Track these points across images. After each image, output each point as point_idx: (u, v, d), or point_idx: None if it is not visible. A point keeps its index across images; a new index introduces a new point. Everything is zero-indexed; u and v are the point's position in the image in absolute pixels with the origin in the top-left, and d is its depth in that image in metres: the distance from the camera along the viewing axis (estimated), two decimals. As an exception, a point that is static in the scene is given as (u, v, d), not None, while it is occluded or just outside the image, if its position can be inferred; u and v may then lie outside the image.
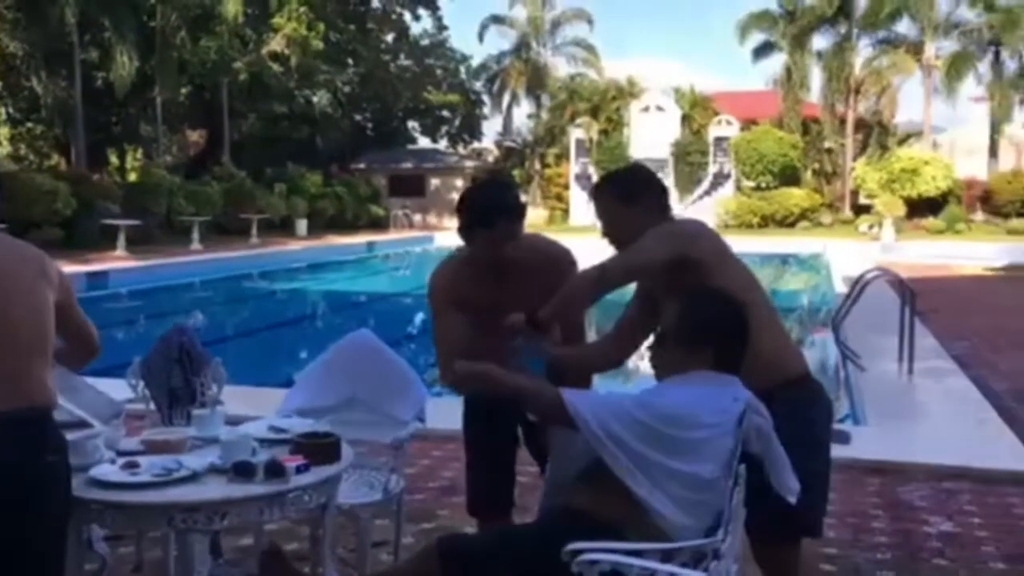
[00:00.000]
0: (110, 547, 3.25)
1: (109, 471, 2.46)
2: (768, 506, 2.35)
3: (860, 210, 31.88)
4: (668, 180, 34.37)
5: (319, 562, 2.73)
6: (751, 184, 32.45)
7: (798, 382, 2.64)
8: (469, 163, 38.45)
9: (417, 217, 35.38)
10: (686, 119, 34.52)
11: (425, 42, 40.96)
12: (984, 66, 32.97)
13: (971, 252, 21.86)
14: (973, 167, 33.16)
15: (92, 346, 2.65)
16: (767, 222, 30.69)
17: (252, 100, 31.63)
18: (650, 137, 34.11)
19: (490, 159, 40.84)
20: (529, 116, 40.39)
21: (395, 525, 3.52)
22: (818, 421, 2.67)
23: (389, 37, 39.03)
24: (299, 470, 2.49)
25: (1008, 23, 31.16)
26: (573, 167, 35.21)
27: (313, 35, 31.12)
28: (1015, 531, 4.22)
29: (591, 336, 3.30)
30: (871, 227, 28.77)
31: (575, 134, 35.05)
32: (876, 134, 34.70)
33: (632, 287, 2.86)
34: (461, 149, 41.73)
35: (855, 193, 32.63)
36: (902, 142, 34.95)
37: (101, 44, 26.61)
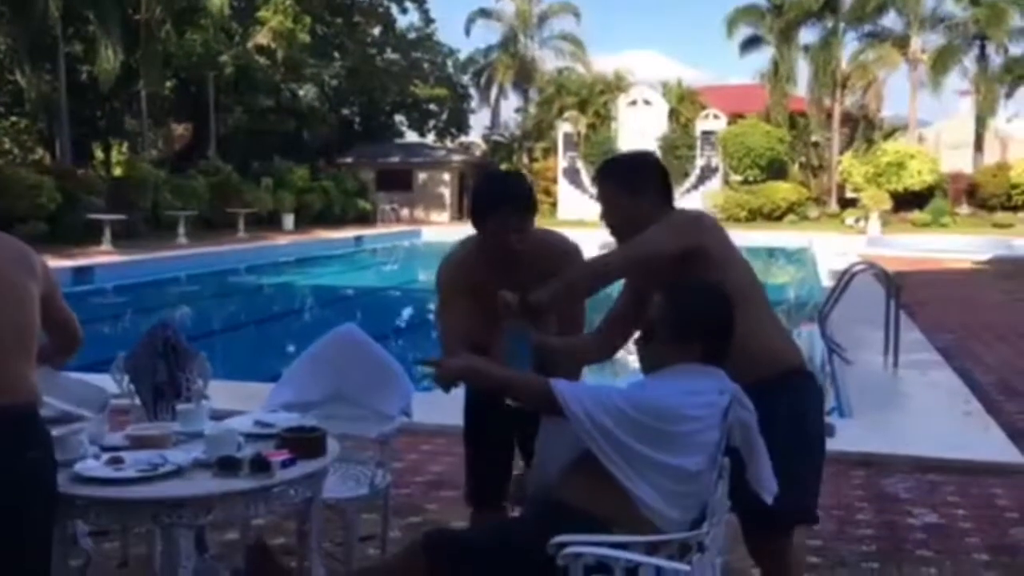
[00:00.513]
0: (95, 543, 3.24)
1: (93, 467, 2.45)
2: (751, 491, 2.38)
3: (846, 204, 32.02)
4: (656, 174, 34.46)
5: (306, 556, 2.73)
6: (738, 178, 32.54)
7: (794, 374, 2.65)
8: (456, 157, 38.40)
9: (404, 211, 35.31)
10: (673, 113, 34.56)
11: (412, 35, 40.82)
12: (969, 60, 33.18)
13: (956, 245, 22.00)
14: (958, 161, 33.36)
15: (75, 338, 2.63)
16: (754, 216, 30.77)
17: (238, 94, 31.47)
18: (638, 131, 34.09)
19: (477, 153, 40.80)
20: (517, 110, 40.42)
21: (382, 519, 3.52)
22: (812, 412, 2.69)
23: (376, 30, 38.87)
24: (284, 465, 2.48)
25: (993, 17, 31.30)
26: (561, 161, 35.21)
27: (299, 28, 30.99)
28: (999, 522, 4.25)
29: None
30: (857, 220, 28.90)
31: (563, 128, 35.04)
32: (862, 128, 34.88)
33: (620, 281, 2.86)
34: (449, 143, 41.66)
35: (841, 187, 32.78)
36: (888, 136, 35.14)
37: (85, 37, 26.44)
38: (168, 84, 30.15)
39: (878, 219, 27.44)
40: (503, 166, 37.19)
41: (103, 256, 17.95)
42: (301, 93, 34.50)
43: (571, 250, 3.04)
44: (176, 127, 36.53)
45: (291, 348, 9.80)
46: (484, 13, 39.86)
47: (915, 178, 29.91)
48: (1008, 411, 6.30)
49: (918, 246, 21.24)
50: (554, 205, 35.23)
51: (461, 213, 36.03)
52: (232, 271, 18.27)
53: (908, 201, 30.11)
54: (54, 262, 14.09)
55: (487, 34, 40.62)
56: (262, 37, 30.58)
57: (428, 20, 40.62)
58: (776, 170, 32.37)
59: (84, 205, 20.89)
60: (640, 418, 2.23)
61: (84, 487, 2.37)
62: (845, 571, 3.69)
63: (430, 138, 41.80)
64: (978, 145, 33.53)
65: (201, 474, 2.45)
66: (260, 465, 2.43)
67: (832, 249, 19.29)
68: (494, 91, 40.36)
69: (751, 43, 35.28)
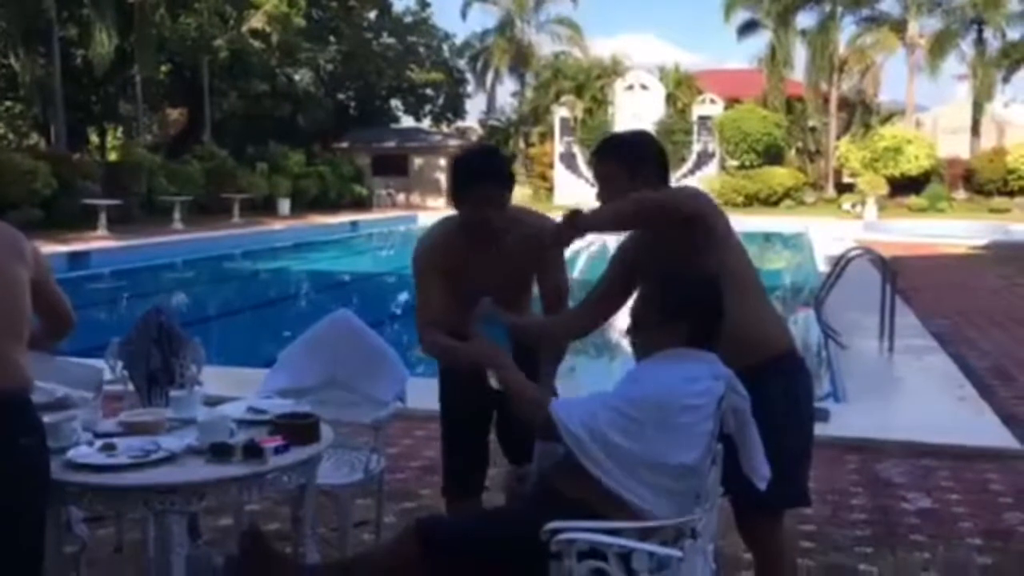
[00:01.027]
0: (90, 529, 3.24)
1: (86, 453, 2.45)
2: (775, 476, 2.38)
3: (843, 189, 32.01)
4: (652, 159, 34.41)
5: (300, 542, 2.73)
6: (735, 163, 32.49)
7: (785, 358, 2.66)
8: (453, 142, 38.30)
9: (400, 197, 35.24)
10: (670, 98, 34.46)
11: (408, 19, 40.62)
12: (967, 44, 33.09)
13: (953, 230, 22.01)
14: (955, 146, 33.34)
15: (68, 322, 2.62)
16: (751, 201, 30.75)
17: (233, 78, 31.35)
18: (634, 116, 33.98)
19: (474, 138, 40.68)
20: (513, 95, 40.25)
21: (376, 505, 3.52)
22: (804, 396, 2.71)
23: (371, 14, 38.68)
24: (277, 451, 2.48)
25: (991, 1, 31.21)
26: (557, 146, 35.12)
27: (294, 12, 30.84)
28: (992, 507, 4.27)
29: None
30: (854, 205, 28.90)
31: (559, 113, 34.93)
32: (859, 113, 34.84)
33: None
34: (445, 128, 41.54)
35: (838, 172, 32.76)
36: (885, 121, 35.10)
37: (80, 21, 26.30)
38: (163, 68, 30.03)
39: (875, 204, 27.44)
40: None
41: (98, 241, 17.90)
42: (296, 78, 34.36)
43: (549, 225, 3.01)
44: (171, 112, 36.41)
45: (286, 334, 9.78)
46: (480, -3, 39.67)
47: (912, 163, 29.89)
48: (1002, 396, 6.32)
49: (914, 231, 21.26)
50: (550, 190, 35.17)
51: (457, 198, 35.92)
52: (228, 256, 18.23)
53: (905, 186, 30.09)
54: (49, 247, 14.06)
55: (483, 18, 40.67)
56: (257, 21, 30.41)
57: (424, 4, 40.45)
58: (773, 155, 32.33)
59: (79, 190, 20.81)
60: (640, 415, 2.22)
61: (77, 474, 2.37)
62: (839, 555, 3.70)
63: (426, 123, 41.67)
64: (975, 130, 33.50)
65: (194, 460, 2.44)
66: (253, 451, 2.43)
67: (828, 234, 19.31)
68: (490, 75, 40.19)
69: (748, 27, 35.16)
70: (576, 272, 19.20)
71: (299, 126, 35.26)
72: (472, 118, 42.91)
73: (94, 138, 33.28)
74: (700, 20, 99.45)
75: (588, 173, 34.72)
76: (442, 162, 36.33)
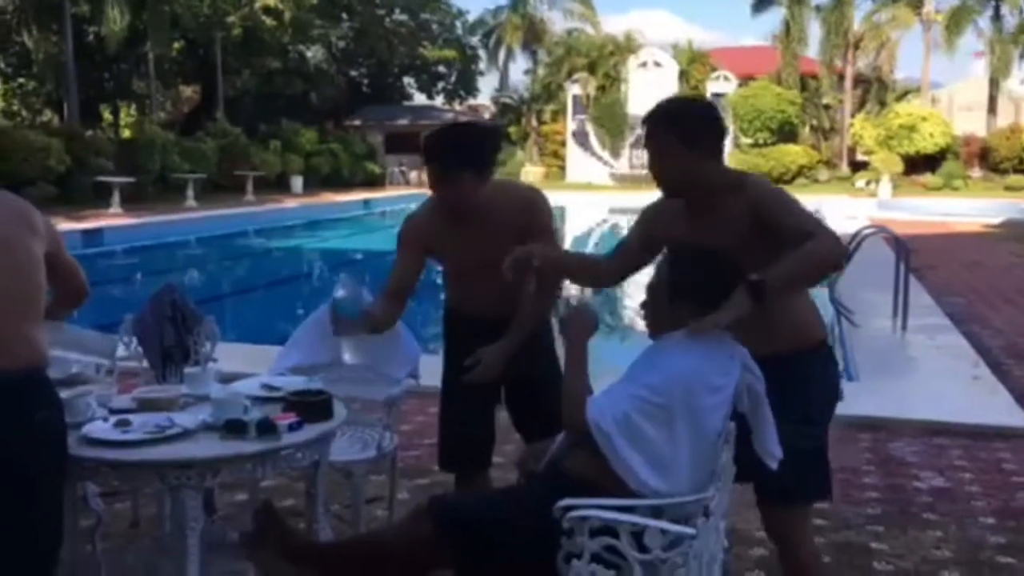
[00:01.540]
0: (106, 503, 3.27)
1: (101, 429, 2.46)
2: (783, 468, 2.35)
3: (857, 167, 31.78)
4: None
5: (313, 518, 2.74)
6: (749, 141, 32.28)
7: (820, 348, 2.59)
8: (465, 120, 38.16)
9: (413, 175, 35.17)
10: (684, 75, 34.21)
11: (420, -4, 40.43)
12: (984, 21, 32.70)
13: (968, 209, 21.86)
14: (971, 123, 33.01)
15: (82, 290, 2.62)
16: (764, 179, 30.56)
17: (246, 55, 31.29)
18: (648, 93, 33.68)
19: (486, 116, 40.52)
20: (526, 72, 40.03)
21: (389, 481, 3.54)
22: (834, 386, 2.64)
23: (384, -9, 38.51)
24: (291, 428, 2.49)
25: (1010, -23, 30.82)
26: (570, 124, 34.99)
27: (306, -11, 30.71)
28: (1005, 486, 4.26)
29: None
30: (868, 183, 28.70)
31: (572, 90, 34.77)
32: (875, 90, 34.50)
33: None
34: (457, 106, 41.39)
35: (852, 149, 32.52)
36: (900, 98, 34.76)
37: (91, -2, 26.27)
38: (176, 46, 30.00)
39: (889, 182, 27.25)
40: (510, 129, 37.06)
41: (112, 219, 17.97)
42: (309, 55, 34.26)
43: (529, 200, 3.01)
44: (184, 89, 36.40)
45: (299, 311, 9.83)
46: (493, -27, 39.41)
47: (927, 141, 29.63)
48: (1016, 375, 6.29)
49: (929, 209, 21.11)
50: (563, 168, 35.07)
51: (470, 176, 35.84)
52: (240, 234, 18.28)
53: (920, 164, 29.85)
54: (63, 224, 14.12)
55: (496, -5, 40.15)
56: (269, -3, 30.31)
57: (436, -20, 40.21)
58: (786, 133, 32.11)
59: (93, 167, 20.88)
60: (666, 402, 2.21)
61: (92, 449, 2.39)
62: (850, 533, 3.71)
63: (439, 100, 41.55)
64: (991, 107, 33.14)
65: (208, 436, 2.46)
66: (267, 428, 2.44)
67: (842, 212, 19.18)
68: (503, 53, 39.95)
69: (763, 3, 34.82)
70: (588, 251, 19.18)
71: (312, 103, 35.23)
72: (485, 96, 42.78)
73: (107, 115, 33.34)
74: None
75: (600, 151, 34.83)
76: (454, 140, 36.14)
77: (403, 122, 36.87)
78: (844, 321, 7.20)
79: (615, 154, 34.79)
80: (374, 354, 3.54)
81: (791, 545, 2.60)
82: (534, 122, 37.32)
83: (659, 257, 2.59)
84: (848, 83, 33.32)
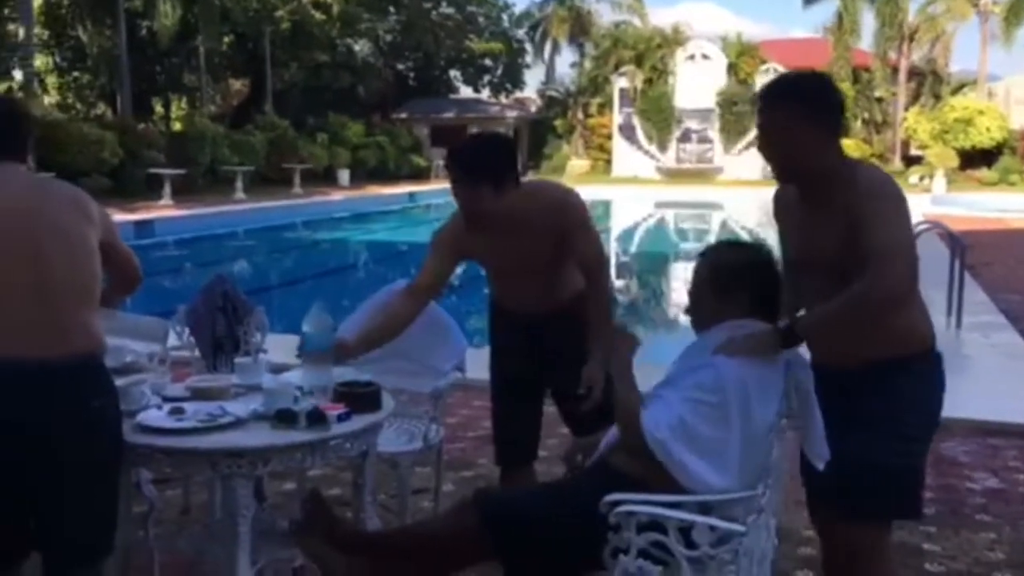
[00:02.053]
0: (158, 491, 3.33)
1: (156, 416, 2.50)
2: (866, 480, 2.27)
3: (911, 161, 31.21)
4: (713, 130, 33.95)
5: (360, 508, 2.76)
6: (798, 134, 31.83)
7: (921, 358, 2.40)
8: (511, 113, 38.17)
9: (458, 167, 35.23)
10: (732, 68, 33.87)
11: (467, -11, 40.49)
12: (1044, 11, 31.87)
13: (1025, 205, 21.34)
14: (1029, 117, 32.23)
15: (136, 277, 2.65)
16: (814, 173, 30.16)
17: (294, 49, 31.59)
18: (696, 86, 33.56)
19: (532, 109, 40.48)
20: (572, 65, 39.94)
21: (435, 473, 3.56)
22: (938, 400, 2.44)
23: (431, -16, 38.63)
24: (340, 418, 2.51)
25: (1071, -34, 30.01)
26: (616, 117, 34.82)
27: (355, -18, 30.91)
28: (1062, 489, 4.16)
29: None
30: (922, 179, 28.17)
31: (619, 83, 34.60)
32: (929, 83, 33.83)
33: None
34: (503, 99, 41.40)
35: (906, 144, 31.95)
36: (956, 91, 34.05)
37: (145, -7, 26.68)
38: (226, 39, 30.37)
39: (943, 177, 26.72)
40: (556, 122, 36.94)
41: (163, 210, 18.27)
42: (356, 48, 34.48)
43: (561, 201, 2.95)
44: (233, 82, 36.84)
45: (346, 303, 9.92)
46: (540, -34, 39.30)
47: (983, 135, 29.01)
48: (1075, 375, 6.13)
49: (985, 205, 20.66)
50: (608, 162, 34.91)
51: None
52: (288, 226, 18.48)
53: (975, 159, 29.25)
54: (116, 216, 14.34)
55: (543, -13, 40.02)
56: (318, -9, 30.57)
57: (483, -26, 40.22)
58: (837, 126, 31.60)
59: (145, 160, 21.24)
60: (720, 399, 2.19)
61: (146, 436, 2.43)
62: (903, 533, 3.64)
63: (485, 93, 41.58)
64: (1051, 100, 32.35)
65: (259, 426, 2.49)
66: (317, 418, 2.46)
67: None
68: (549, 45, 39.89)
69: (815, -6, 34.34)
70: (634, 246, 19.09)
71: (359, 96, 35.47)
72: (531, 88, 42.74)
73: (159, 108, 33.87)
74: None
75: (647, 145, 34.61)
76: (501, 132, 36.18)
77: (449, 115, 36.97)
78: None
79: (662, 148, 34.56)
80: (421, 347, 3.56)
81: (863, 564, 2.39)
82: (580, 115, 37.21)
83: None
84: (902, 76, 32.73)
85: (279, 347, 3.61)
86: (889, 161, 32.06)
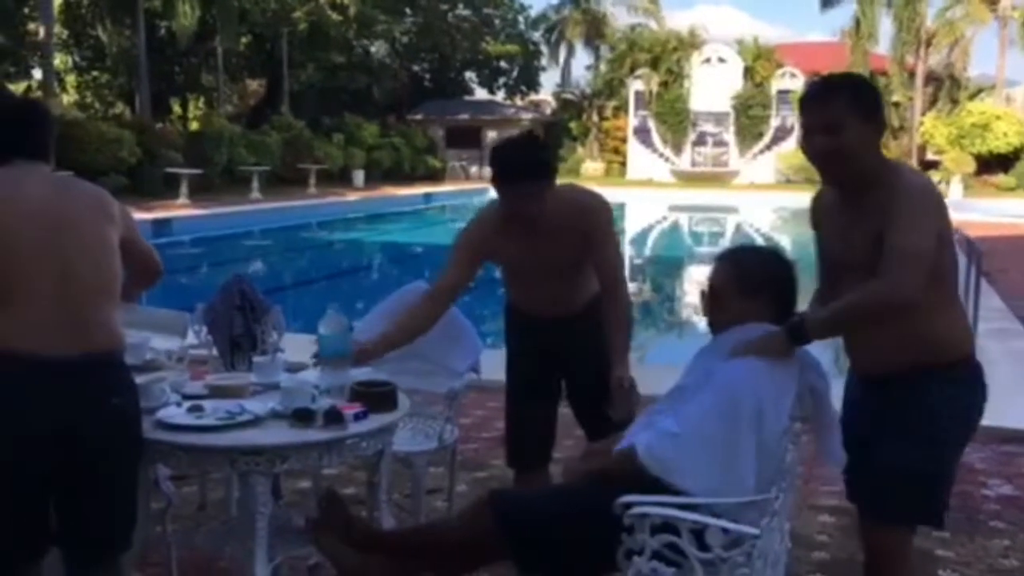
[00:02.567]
0: (175, 487, 3.36)
1: (175, 414, 2.53)
2: (895, 485, 2.28)
3: (927, 166, 30.99)
4: (729, 133, 33.87)
5: (375, 507, 2.79)
6: (814, 138, 31.71)
7: (955, 366, 2.35)
8: (526, 115, 38.20)
9: (473, 169, 35.33)
10: (748, 71, 33.80)
11: (484, -9, 40.54)
12: (1064, 17, 31.66)
13: (1042, 211, 21.19)
14: (1048, 122, 31.99)
15: (156, 271, 2.67)
16: (830, 177, 30.03)
17: (311, 50, 31.73)
18: (711, 89, 33.50)
19: (548, 111, 40.49)
20: (587, 67, 39.92)
21: (449, 473, 3.59)
22: (975, 408, 2.40)
23: (448, -14, 38.70)
24: (357, 417, 2.53)
25: (1091, -29, 29.80)
26: (632, 120, 34.78)
27: (371, -16, 31.01)
28: (1077, 496, 4.14)
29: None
30: (938, 183, 28.00)
31: (634, 86, 34.56)
32: (947, 87, 33.65)
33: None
34: (518, 101, 41.43)
35: (923, 148, 31.77)
36: (974, 96, 33.85)
37: (164, -7, 26.85)
38: (243, 40, 30.51)
39: (960, 183, 26.59)
40: (571, 124, 36.92)
41: (181, 209, 18.37)
42: (372, 49, 34.58)
43: (588, 206, 2.96)
44: (250, 83, 37.02)
45: (361, 304, 9.96)
46: (557, -32, 39.31)
47: (1001, 140, 28.84)
48: (1091, 383, 6.09)
49: (1002, 211, 20.54)
50: (624, 164, 34.87)
51: (530, 171, 35.84)
52: (304, 226, 18.57)
53: (993, 164, 29.08)
54: (135, 215, 14.42)
55: (559, -11, 40.04)
56: (335, -7, 30.68)
57: (499, -24, 40.26)
58: (854, 131, 31.47)
59: (162, 159, 21.37)
60: (731, 404, 2.19)
61: (166, 433, 2.45)
62: (916, 539, 3.62)
63: (500, 95, 41.63)
64: (1069, 106, 32.14)
65: (277, 424, 2.51)
66: (334, 417, 2.49)
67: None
68: (564, 48, 39.89)
69: (832, -2, 34.22)
70: (648, 249, 19.07)
71: (374, 98, 35.57)
72: (546, 91, 42.74)
73: (177, 108, 34.07)
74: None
75: (662, 148, 34.58)
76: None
77: (464, 117, 37.03)
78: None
79: (677, 151, 34.50)
80: (436, 347, 3.58)
81: (886, 567, 2.42)
82: (595, 118, 37.18)
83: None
84: (919, 80, 32.55)
85: (293, 346, 3.64)
86: (906, 166, 31.89)
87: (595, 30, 38.23)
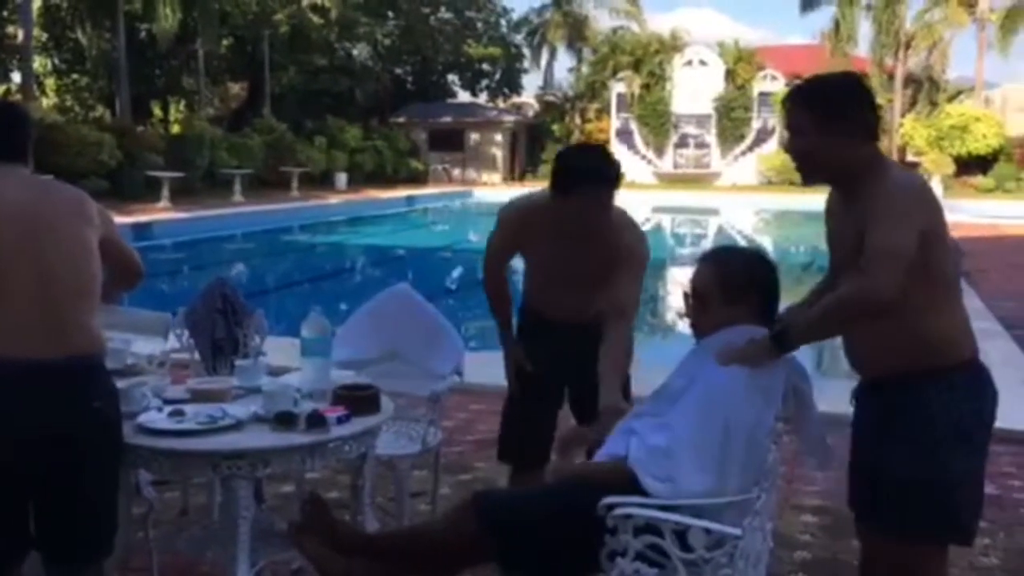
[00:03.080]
0: (157, 492, 3.34)
1: (156, 418, 2.52)
2: (919, 501, 2.22)
3: (907, 167, 31.26)
4: (710, 135, 34.02)
5: (358, 510, 2.78)
6: (795, 140, 31.90)
7: (958, 369, 2.28)
8: (508, 117, 38.22)
9: (456, 172, 35.32)
10: (730, 74, 33.96)
11: (465, -6, 40.56)
12: (1040, 19, 31.97)
13: (1021, 212, 21.39)
14: (1025, 124, 32.33)
15: (137, 272, 2.64)
16: (811, 179, 30.20)
17: (292, 52, 31.64)
18: (693, 92, 33.65)
19: (530, 114, 40.54)
20: (570, 70, 40.05)
21: (433, 476, 3.58)
22: (984, 413, 2.34)
23: (430, -11, 38.69)
24: (340, 421, 2.53)
25: (1067, -25, 30.13)
26: (614, 122, 34.88)
27: (353, -13, 30.96)
28: (1056, 494, 4.18)
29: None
30: (919, 185, 28.21)
31: (616, 88, 34.67)
32: (926, 90, 33.94)
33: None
34: (501, 103, 41.46)
35: (902, 150, 32.01)
36: (952, 98, 34.16)
37: (144, -4, 26.70)
38: (224, 43, 30.39)
39: (940, 184, 26.76)
40: (553, 126, 36.98)
41: (161, 213, 18.26)
42: (354, 52, 34.52)
43: (631, 246, 2.91)
44: (232, 86, 36.87)
45: (344, 307, 9.93)
46: (538, -29, 39.38)
47: (979, 142, 29.09)
48: (1069, 382, 6.15)
49: (981, 212, 20.72)
50: (606, 166, 34.89)
51: (513, 173, 35.93)
52: (286, 229, 18.50)
53: (972, 165, 29.33)
54: (115, 219, 14.35)
55: (541, -8, 40.11)
56: (316, -5, 30.62)
57: (481, -22, 40.29)
58: (834, 132, 31.68)
59: (143, 162, 21.24)
60: (715, 405, 2.19)
61: (147, 438, 2.44)
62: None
63: (482, 98, 41.64)
64: (1047, 108, 32.46)
65: (259, 428, 2.50)
66: (316, 421, 2.48)
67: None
68: (547, 51, 39.98)
69: (812, 1, 34.44)
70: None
71: (356, 100, 35.50)
72: (528, 93, 42.78)
73: (157, 111, 33.89)
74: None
75: (644, 150, 34.68)
76: (498, 137, 36.29)
77: (447, 119, 37.01)
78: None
79: (659, 153, 34.63)
80: (419, 350, 3.58)
81: None
82: (578, 120, 37.27)
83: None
84: (898, 83, 32.82)
85: (275, 350, 3.63)
86: (886, 167, 32.13)
87: (577, 33, 38.33)
